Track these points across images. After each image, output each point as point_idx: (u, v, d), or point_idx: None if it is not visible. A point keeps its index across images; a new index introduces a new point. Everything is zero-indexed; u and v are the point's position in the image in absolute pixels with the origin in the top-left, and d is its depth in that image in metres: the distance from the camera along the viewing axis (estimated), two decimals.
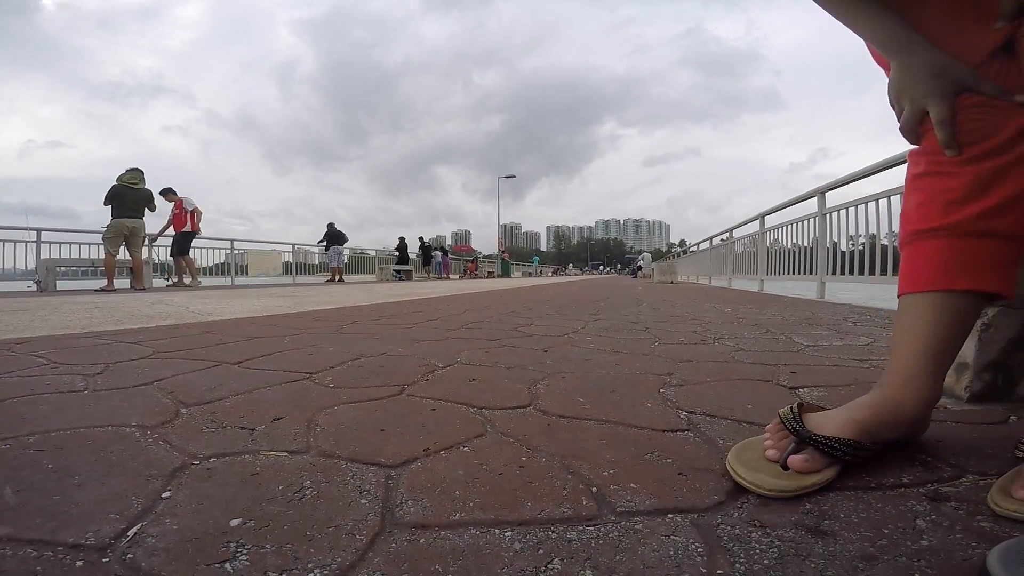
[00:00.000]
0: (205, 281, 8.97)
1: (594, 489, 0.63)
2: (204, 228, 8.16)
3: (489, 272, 22.86)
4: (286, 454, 0.74)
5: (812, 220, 5.03)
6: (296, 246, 13.11)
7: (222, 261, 11.15)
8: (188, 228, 7.86)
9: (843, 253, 4.54)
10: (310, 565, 0.47)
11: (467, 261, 23.43)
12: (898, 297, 0.74)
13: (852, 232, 4.29)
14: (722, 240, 9.62)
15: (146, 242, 7.45)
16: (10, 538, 0.50)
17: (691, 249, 15.22)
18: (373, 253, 16.17)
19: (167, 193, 7.66)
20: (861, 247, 4.10)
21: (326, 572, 0.46)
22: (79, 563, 0.47)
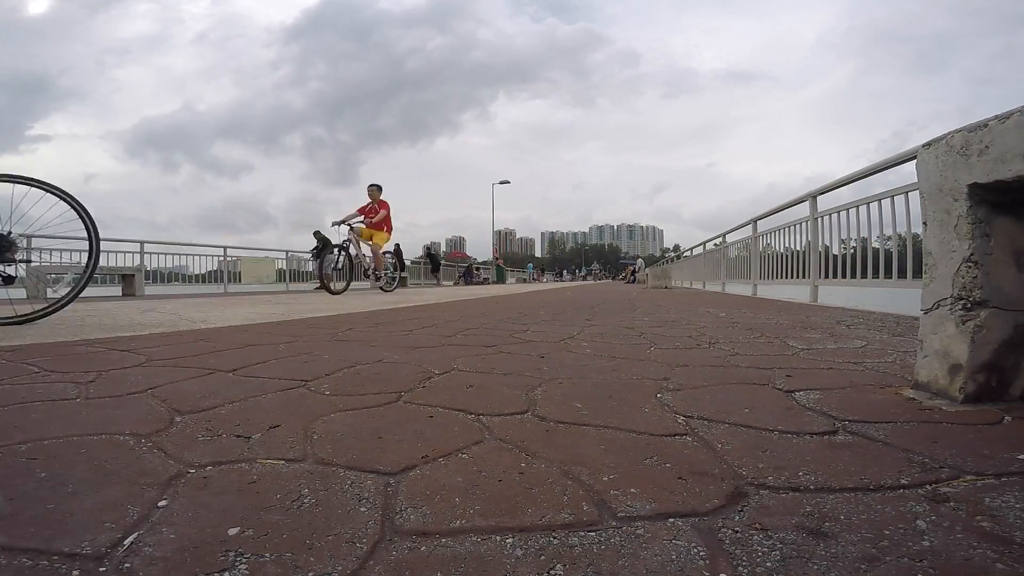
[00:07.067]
0: (197, 289, 8.89)
1: (594, 494, 0.63)
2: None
3: (484, 279, 22.87)
4: (283, 462, 0.73)
5: (804, 224, 5.07)
6: (290, 253, 13.07)
7: (215, 268, 11.06)
8: None
9: (835, 257, 4.57)
10: (311, 574, 0.46)
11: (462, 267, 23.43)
12: None
13: (844, 236, 4.33)
14: (715, 245, 9.68)
15: None
16: (5, 547, 0.49)
17: (685, 254, 15.33)
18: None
19: None
20: (853, 251, 4.13)
21: None
22: (75, 572, 0.46)
